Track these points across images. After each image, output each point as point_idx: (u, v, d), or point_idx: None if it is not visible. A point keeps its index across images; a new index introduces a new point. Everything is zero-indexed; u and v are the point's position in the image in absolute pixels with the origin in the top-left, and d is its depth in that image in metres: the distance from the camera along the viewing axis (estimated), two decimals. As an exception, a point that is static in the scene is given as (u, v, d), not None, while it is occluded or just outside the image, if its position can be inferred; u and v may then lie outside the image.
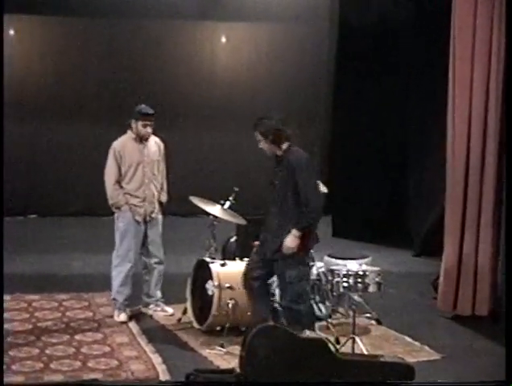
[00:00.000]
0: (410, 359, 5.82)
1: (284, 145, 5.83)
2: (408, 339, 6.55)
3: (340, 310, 6.90)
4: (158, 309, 7.08)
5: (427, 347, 6.35)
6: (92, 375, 5.54)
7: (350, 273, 6.09)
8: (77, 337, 6.39)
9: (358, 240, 10.07)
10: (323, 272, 6.80)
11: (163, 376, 5.58)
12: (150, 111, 6.82)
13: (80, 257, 9.03)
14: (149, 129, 6.84)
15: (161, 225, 7.01)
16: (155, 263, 7.00)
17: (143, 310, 7.11)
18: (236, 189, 6.78)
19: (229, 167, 11.83)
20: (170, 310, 7.08)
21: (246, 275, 6.03)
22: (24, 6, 10.69)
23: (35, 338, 6.30)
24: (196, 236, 8.07)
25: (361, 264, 6.25)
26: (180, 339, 6.44)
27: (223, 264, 6.54)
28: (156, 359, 5.89)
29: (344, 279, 6.08)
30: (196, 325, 6.62)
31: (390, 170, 10.46)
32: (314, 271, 6.79)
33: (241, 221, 6.81)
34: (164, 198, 7.05)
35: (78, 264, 8.79)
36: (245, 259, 6.40)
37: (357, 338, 5.99)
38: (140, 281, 7.07)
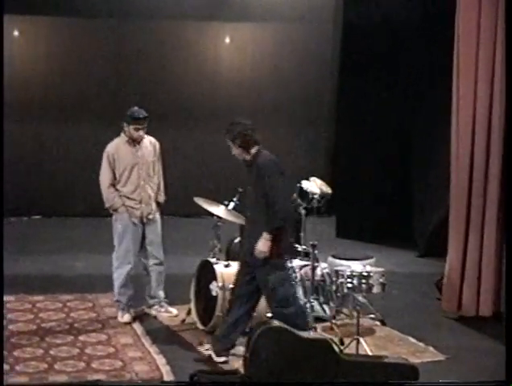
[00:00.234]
0: (414, 360, 5.82)
1: (253, 150, 5.87)
2: (412, 340, 6.55)
3: (345, 310, 6.89)
4: (162, 309, 7.07)
5: (431, 348, 6.35)
6: (97, 376, 5.55)
7: (354, 273, 6.10)
8: (81, 338, 6.40)
9: (362, 240, 10.06)
10: (327, 272, 6.81)
11: (167, 377, 5.58)
12: (142, 115, 6.76)
13: (85, 258, 9.02)
14: (141, 133, 6.80)
15: (160, 225, 6.99)
16: (154, 264, 6.97)
17: (147, 310, 7.11)
18: (240, 190, 6.78)
19: (234, 168, 11.77)
20: (174, 310, 7.07)
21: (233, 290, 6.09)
22: (28, 6, 10.70)
23: (39, 339, 6.31)
24: (200, 236, 8.07)
25: (365, 265, 6.26)
26: (184, 340, 6.44)
27: (227, 265, 6.54)
28: (160, 360, 5.90)
29: (349, 280, 6.09)
30: (199, 326, 6.62)
31: (394, 171, 10.44)
32: (318, 272, 6.81)
33: (245, 222, 6.80)
34: (162, 198, 7.03)
35: (82, 265, 8.79)
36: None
37: (361, 339, 5.99)
38: (143, 281, 7.06)
